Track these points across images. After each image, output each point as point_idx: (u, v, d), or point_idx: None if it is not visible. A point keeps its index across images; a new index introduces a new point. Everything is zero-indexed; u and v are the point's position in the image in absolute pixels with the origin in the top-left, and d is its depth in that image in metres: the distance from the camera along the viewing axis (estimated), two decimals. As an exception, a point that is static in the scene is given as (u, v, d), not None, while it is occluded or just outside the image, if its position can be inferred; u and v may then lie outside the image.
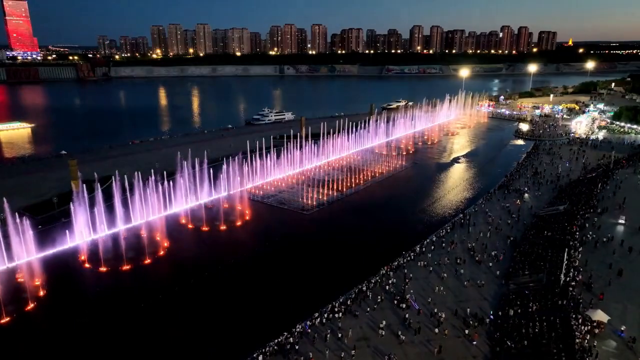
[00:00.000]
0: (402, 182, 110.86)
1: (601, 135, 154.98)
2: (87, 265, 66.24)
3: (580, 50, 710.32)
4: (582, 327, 45.00)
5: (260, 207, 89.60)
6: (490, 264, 65.09)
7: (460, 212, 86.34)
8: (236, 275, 64.74)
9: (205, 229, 79.50)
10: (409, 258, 66.91)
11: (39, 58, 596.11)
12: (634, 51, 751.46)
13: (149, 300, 58.38)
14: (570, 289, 52.13)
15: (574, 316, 46.56)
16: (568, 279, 54.37)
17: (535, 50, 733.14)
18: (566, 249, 59.78)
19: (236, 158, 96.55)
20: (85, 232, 70.54)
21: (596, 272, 57.74)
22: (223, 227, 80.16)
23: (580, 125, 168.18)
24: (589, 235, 68.24)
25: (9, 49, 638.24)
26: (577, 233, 67.62)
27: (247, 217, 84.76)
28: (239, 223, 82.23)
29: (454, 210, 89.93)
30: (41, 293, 58.89)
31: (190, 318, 54.44)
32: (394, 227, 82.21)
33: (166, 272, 66.46)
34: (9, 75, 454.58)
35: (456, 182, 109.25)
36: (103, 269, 65.05)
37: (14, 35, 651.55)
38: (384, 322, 49.98)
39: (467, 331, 49.48)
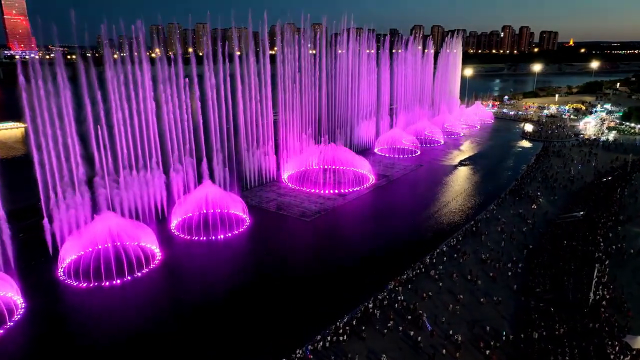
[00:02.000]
0: (407, 186, 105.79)
1: (611, 136, 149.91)
2: (67, 280, 60.93)
3: (582, 50, 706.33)
4: (621, 357, 39.80)
5: (258, 213, 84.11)
6: (507, 276, 60.14)
7: (471, 219, 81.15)
8: (229, 293, 59.55)
9: (200, 238, 74.35)
10: (418, 271, 61.78)
11: (37, 57, 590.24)
12: (636, 51, 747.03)
13: (138, 318, 53.44)
14: (602, 309, 46.90)
15: (609, 343, 41.38)
16: (597, 297, 49.22)
17: (536, 50, 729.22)
18: (595, 263, 54.46)
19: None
20: (67, 241, 65.04)
21: (627, 289, 52.53)
22: (220, 236, 74.92)
23: (588, 126, 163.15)
24: (614, 247, 62.96)
25: (6, 48, 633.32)
26: (602, 244, 62.29)
27: (246, 225, 79.51)
28: (236, 231, 76.96)
29: (464, 216, 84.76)
30: (13, 314, 53.63)
31: (181, 340, 49.23)
32: (401, 235, 76.91)
33: (158, 288, 61.36)
34: (6, 74, 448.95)
35: (464, 186, 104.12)
36: (85, 284, 59.82)
37: (11, 33, 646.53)
38: (384, 356, 44.51)
39: (487, 352, 44.59)
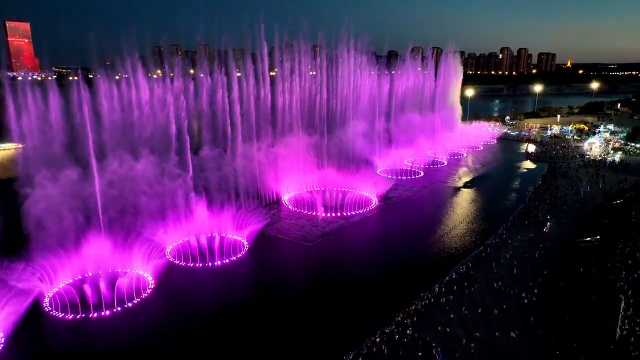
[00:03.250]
0: (412, 208, 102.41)
1: (618, 157, 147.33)
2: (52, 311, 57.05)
3: (580, 72, 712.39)
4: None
5: (258, 238, 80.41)
6: (523, 305, 56.44)
7: (480, 244, 77.67)
8: (226, 322, 55.74)
9: (196, 264, 70.68)
10: (427, 301, 58.06)
11: (38, 79, 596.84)
12: (634, 72, 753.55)
13: (131, 348, 49.61)
14: (631, 347, 43.07)
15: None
16: (624, 332, 45.41)
17: (534, 71, 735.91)
18: (619, 293, 50.74)
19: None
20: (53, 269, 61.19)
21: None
22: (217, 263, 71.27)
23: (593, 147, 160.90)
24: (635, 275, 59.17)
25: (10, 69, 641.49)
26: (624, 272, 58.63)
27: (244, 250, 75.86)
28: (233, 257, 73.29)
29: (473, 240, 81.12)
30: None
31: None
32: (407, 260, 73.12)
33: (150, 320, 57.40)
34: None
35: (470, 208, 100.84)
36: (71, 315, 55.94)
37: (15, 55, 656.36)
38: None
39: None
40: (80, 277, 63.67)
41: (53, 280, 59.95)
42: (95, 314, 56.05)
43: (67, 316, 55.67)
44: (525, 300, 57.44)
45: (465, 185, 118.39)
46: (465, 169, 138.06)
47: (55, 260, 60.51)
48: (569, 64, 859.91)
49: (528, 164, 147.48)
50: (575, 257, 68.04)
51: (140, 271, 65.23)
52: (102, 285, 58.10)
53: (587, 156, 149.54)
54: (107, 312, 56.67)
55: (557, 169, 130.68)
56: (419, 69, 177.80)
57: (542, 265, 67.68)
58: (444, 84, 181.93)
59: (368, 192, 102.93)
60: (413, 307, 56.06)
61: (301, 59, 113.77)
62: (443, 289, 60.78)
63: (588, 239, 74.96)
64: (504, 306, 56.06)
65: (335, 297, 60.93)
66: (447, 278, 64.03)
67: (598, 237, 73.23)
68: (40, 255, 60.11)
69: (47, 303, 57.89)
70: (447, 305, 56.64)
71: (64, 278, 61.60)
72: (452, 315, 54.37)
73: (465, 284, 62.08)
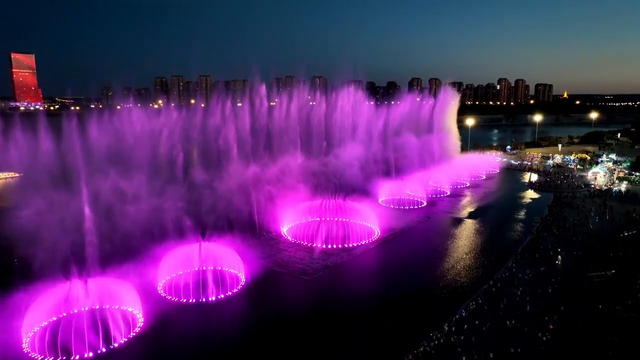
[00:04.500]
0: (416, 240, 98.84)
1: (623, 186, 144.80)
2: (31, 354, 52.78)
3: (577, 102, 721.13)
4: None
5: (256, 271, 76.59)
6: (540, 343, 52.32)
7: (489, 278, 73.83)
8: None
9: (189, 300, 66.66)
10: (436, 342, 53.94)
11: (41, 109, 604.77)
12: (630, 103, 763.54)
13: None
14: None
15: None
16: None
17: (532, 101, 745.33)
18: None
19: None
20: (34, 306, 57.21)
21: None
22: (212, 298, 67.29)
23: (598, 176, 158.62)
24: (659, 313, 55.48)
25: (13, 99, 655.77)
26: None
27: (241, 284, 71.97)
28: (229, 292, 69.35)
29: (481, 274, 77.21)
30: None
31: None
32: (413, 295, 69.16)
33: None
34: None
35: (476, 240, 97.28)
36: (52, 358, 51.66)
37: (18, 86, 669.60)
38: None
39: None
40: (64, 314, 59.55)
41: (34, 319, 55.89)
42: (77, 357, 51.76)
43: (47, 359, 51.39)
44: (544, 338, 53.37)
45: (470, 216, 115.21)
46: (469, 198, 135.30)
47: (39, 296, 56.69)
48: (565, 95, 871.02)
49: (532, 194, 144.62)
50: (590, 292, 64.22)
51: (129, 308, 61.22)
52: (87, 324, 54.08)
53: (592, 186, 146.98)
54: (91, 354, 52.42)
55: (562, 199, 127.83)
56: (418, 99, 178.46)
57: (557, 302, 63.67)
58: (442, 114, 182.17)
59: (370, 222, 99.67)
60: (422, 349, 51.96)
61: (300, 91, 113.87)
62: (453, 328, 56.75)
63: (602, 272, 71.24)
64: (519, 349, 51.86)
65: (336, 338, 56.90)
66: (457, 316, 60.03)
67: (613, 270, 69.55)
68: (23, 290, 56.52)
69: (27, 344, 53.67)
70: (459, 346, 52.55)
71: (46, 316, 57.45)
72: (464, 358, 50.26)
73: (477, 322, 58.03)
